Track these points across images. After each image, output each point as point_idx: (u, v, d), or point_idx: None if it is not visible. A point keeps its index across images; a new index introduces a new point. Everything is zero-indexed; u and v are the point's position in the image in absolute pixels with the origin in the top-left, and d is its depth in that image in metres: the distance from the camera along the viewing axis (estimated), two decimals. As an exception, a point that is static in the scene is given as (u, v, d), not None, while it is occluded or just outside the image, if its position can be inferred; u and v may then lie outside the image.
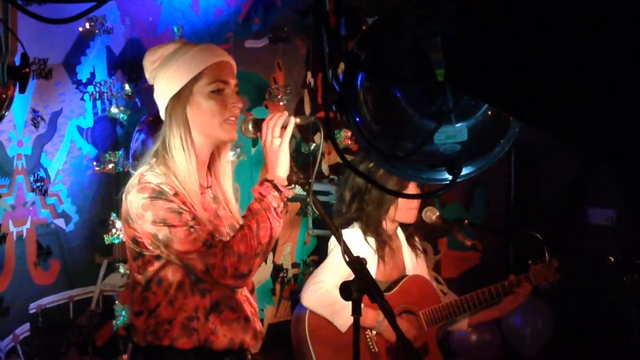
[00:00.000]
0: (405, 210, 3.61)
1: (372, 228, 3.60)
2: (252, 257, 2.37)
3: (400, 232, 3.75)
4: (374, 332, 3.53)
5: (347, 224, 3.63)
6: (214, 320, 2.45)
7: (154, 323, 2.43)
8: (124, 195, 2.44)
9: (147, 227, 2.36)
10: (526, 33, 1.30)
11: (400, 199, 3.58)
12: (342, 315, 3.41)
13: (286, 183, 2.46)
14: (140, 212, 2.36)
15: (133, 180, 2.42)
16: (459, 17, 1.45)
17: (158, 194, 2.35)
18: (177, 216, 2.35)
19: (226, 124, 2.46)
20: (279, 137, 2.44)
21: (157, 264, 2.42)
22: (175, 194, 2.37)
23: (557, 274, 3.61)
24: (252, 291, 2.63)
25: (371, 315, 3.46)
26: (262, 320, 4.55)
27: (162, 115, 2.50)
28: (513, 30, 1.32)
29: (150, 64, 2.52)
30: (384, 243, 3.63)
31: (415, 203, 3.63)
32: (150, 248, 2.40)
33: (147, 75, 2.54)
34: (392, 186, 3.35)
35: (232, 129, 2.49)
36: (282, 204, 2.46)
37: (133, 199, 2.38)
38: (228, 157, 2.65)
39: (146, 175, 2.39)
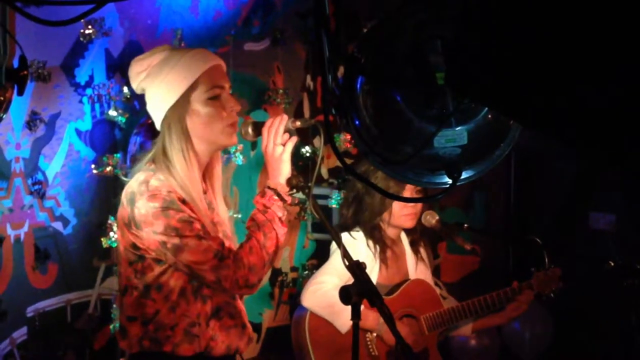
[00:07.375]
0: (398, 216, 3.60)
1: (370, 233, 3.59)
2: (261, 267, 2.40)
3: (404, 237, 3.74)
4: (374, 334, 3.52)
5: (347, 228, 3.62)
6: (214, 326, 2.43)
7: (153, 329, 2.39)
8: (125, 201, 2.37)
9: (155, 236, 2.32)
10: (527, 36, 1.29)
11: (394, 205, 3.57)
12: (342, 316, 3.39)
13: (288, 189, 2.45)
14: (149, 219, 2.31)
15: (139, 188, 2.34)
16: (459, 21, 1.44)
17: (169, 204, 2.31)
18: (189, 226, 2.32)
19: (228, 129, 2.44)
20: (281, 144, 2.43)
21: (157, 269, 2.37)
22: (184, 202, 2.34)
23: (559, 282, 3.61)
24: (241, 296, 2.63)
25: (372, 318, 3.45)
26: (260, 324, 4.55)
27: (158, 126, 2.45)
28: (514, 33, 1.31)
29: (136, 74, 2.46)
30: (385, 247, 3.62)
31: (410, 209, 3.61)
32: (153, 254, 2.37)
33: (134, 86, 2.48)
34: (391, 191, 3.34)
35: (233, 133, 2.47)
36: (285, 212, 2.46)
37: (142, 206, 2.32)
38: (220, 162, 2.62)
39: (154, 182, 2.34)
